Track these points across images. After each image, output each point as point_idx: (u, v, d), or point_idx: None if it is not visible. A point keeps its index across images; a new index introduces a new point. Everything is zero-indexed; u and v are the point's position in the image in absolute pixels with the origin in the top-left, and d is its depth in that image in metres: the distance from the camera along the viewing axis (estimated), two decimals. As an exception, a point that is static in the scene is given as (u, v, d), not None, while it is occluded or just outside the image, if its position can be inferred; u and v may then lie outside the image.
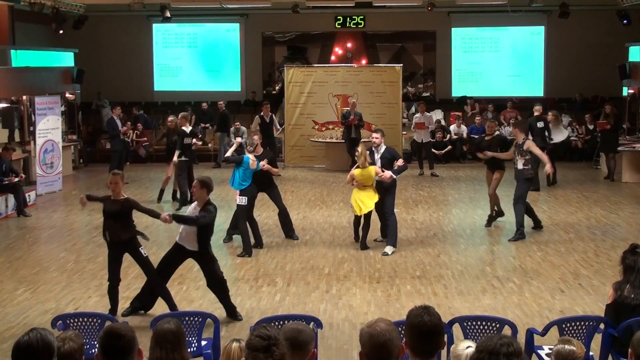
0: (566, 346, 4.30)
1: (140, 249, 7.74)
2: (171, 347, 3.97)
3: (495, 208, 11.85)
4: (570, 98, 21.30)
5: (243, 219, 10.31)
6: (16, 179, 13.21)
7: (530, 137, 12.43)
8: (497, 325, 5.82)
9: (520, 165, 10.84)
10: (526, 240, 10.91)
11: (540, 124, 14.69)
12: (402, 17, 22.18)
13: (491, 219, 11.86)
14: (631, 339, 3.81)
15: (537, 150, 10.89)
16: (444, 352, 4.16)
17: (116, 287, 7.77)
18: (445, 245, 10.80)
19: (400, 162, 10.26)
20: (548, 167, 11.17)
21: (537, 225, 11.50)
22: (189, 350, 5.80)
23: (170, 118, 13.89)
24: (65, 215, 13.43)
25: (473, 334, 5.74)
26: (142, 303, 7.92)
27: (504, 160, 11.47)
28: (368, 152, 10.17)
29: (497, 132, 12.21)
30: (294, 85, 18.63)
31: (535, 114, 14.85)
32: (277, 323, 5.56)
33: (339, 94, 18.50)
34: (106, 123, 17.42)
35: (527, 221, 11.20)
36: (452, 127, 19.42)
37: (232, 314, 7.75)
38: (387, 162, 10.27)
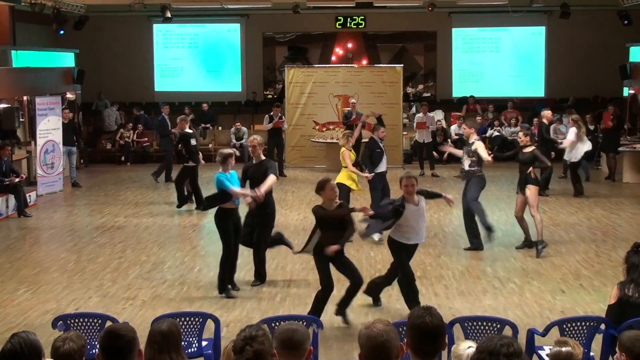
0: (563, 348, 4.26)
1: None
2: (158, 347, 3.90)
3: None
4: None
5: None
6: (17, 180, 13.22)
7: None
8: (498, 326, 5.82)
9: (466, 166, 10.43)
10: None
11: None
12: (403, 17, 22.16)
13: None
14: (622, 340, 3.79)
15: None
16: (444, 352, 4.15)
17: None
18: (446, 245, 10.80)
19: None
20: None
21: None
22: (189, 350, 5.83)
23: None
24: (66, 215, 13.43)
25: (474, 334, 5.74)
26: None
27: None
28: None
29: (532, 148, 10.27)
30: (294, 86, 18.63)
31: (545, 120, 14.63)
32: (277, 323, 5.55)
33: (340, 94, 18.50)
34: (157, 122, 17.16)
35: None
36: (453, 128, 19.38)
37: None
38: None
